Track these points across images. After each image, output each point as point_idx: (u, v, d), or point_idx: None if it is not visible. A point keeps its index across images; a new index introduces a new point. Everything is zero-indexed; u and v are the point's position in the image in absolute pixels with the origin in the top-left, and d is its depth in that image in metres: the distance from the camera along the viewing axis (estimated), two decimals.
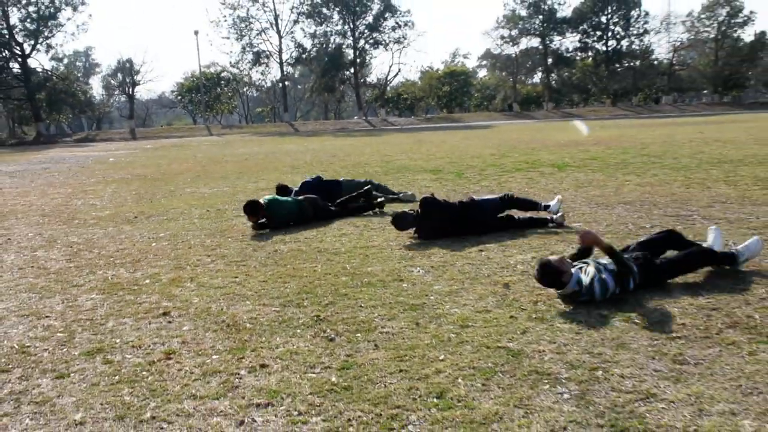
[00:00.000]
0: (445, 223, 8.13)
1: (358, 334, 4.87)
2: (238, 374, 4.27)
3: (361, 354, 4.49)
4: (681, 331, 4.64)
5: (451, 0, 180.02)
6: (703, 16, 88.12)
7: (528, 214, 8.65)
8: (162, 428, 3.61)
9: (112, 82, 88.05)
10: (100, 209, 12.29)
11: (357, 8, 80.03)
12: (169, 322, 5.41)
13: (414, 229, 8.16)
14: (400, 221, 8.14)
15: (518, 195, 9.01)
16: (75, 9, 70.86)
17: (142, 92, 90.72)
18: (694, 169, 14.07)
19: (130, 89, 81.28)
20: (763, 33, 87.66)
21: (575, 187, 11.86)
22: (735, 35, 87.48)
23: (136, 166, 23.28)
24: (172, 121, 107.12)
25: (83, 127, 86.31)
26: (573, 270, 5.43)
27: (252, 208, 9.30)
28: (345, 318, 5.25)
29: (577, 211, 9.36)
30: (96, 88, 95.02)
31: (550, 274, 5.36)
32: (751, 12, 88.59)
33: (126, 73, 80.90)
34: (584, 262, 5.68)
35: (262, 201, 9.44)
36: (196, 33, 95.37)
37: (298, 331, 5.02)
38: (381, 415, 3.61)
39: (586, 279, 5.36)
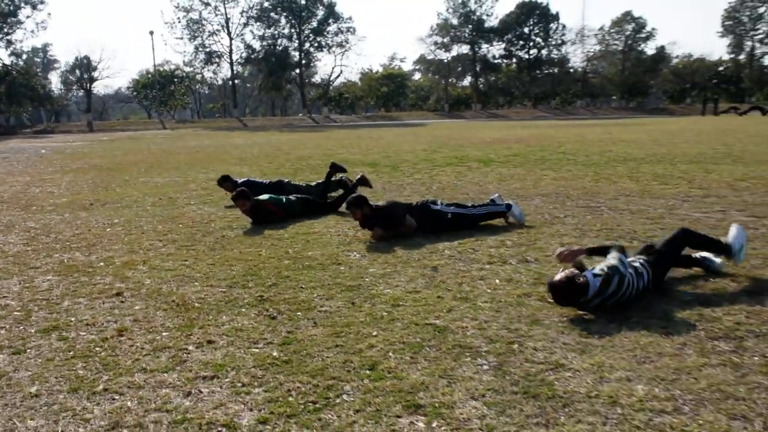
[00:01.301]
0: (398, 222, 7.40)
1: (299, 313, 4.85)
2: (186, 349, 4.23)
3: (301, 331, 4.48)
4: (587, 312, 4.74)
5: (389, 8, 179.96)
6: (612, 30, 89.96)
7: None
8: (114, 399, 3.55)
9: (71, 77, 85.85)
10: (57, 197, 12.00)
11: (303, 14, 79.65)
12: (122, 301, 5.32)
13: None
14: (353, 205, 7.38)
15: (481, 212, 7.94)
16: (34, 7, 69.28)
17: (100, 87, 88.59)
18: (603, 165, 14.33)
19: (88, 84, 79.35)
20: (662, 47, 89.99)
21: (498, 181, 11.98)
22: (639, 48, 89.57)
23: (92, 156, 22.77)
24: (128, 115, 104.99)
25: (42, 119, 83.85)
26: (588, 275, 4.67)
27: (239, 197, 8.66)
28: (287, 298, 5.23)
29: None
30: (55, 82, 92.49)
31: (564, 296, 4.67)
32: (653, 28, 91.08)
33: (84, 69, 79.00)
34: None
35: (263, 198, 8.87)
36: (151, 33, 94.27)
37: (243, 309, 4.99)
38: (318, 385, 3.61)
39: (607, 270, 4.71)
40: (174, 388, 3.67)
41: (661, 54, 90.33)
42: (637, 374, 3.64)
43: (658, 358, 3.85)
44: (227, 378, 3.76)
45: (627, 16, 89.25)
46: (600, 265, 4.79)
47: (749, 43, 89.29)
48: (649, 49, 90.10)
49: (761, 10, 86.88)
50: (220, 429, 3.20)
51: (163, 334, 4.53)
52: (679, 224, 7.54)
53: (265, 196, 8.97)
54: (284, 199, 9.08)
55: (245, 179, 10.75)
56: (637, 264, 4.97)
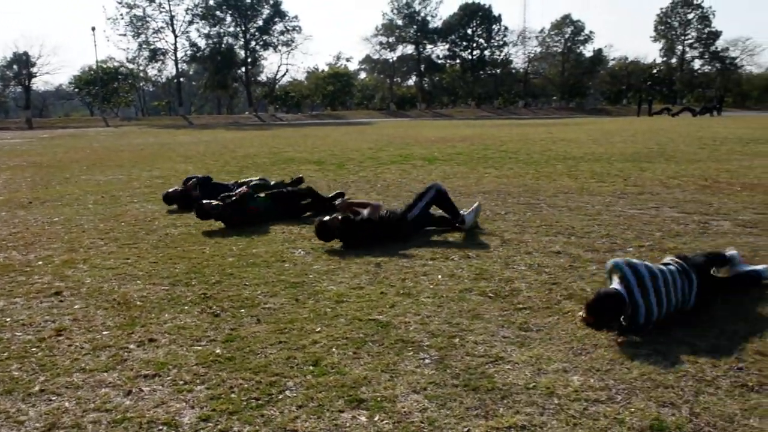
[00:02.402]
0: (366, 235, 6.83)
1: (242, 310, 4.80)
2: (128, 348, 4.14)
3: (244, 328, 4.43)
4: (527, 303, 4.79)
5: (335, 8, 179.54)
6: (552, 32, 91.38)
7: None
8: (50, 400, 3.45)
9: (8, 73, 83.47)
10: None
11: (248, 12, 79.00)
12: (61, 301, 5.17)
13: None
14: (323, 233, 6.79)
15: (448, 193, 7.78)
16: None
17: (39, 84, 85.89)
18: (543, 164, 14.53)
19: (27, 81, 77.25)
20: (600, 50, 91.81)
21: (442, 179, 12.02)
22: (578, 51, 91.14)
23: (31, 154, 22.15)
24: (70, 112, 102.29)
25: None
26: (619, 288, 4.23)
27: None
28: (230, 295, 5.16)
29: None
30: None
31: (601, 315, 4.18)
32: (591, 31, 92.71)
33: (22, 65, 76.93)
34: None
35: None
36: (93, 29, 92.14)
37: (186, 307, 4.91)
38: (261, 382, 3.57)
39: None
40: (114, 387, 3.59)
41: (599, 56, 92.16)
42: (573, 365, 3.70)
43: (593, 350, 3.92)
44: (169, 376, 3.70)
45: (566, 20, 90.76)
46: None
47: (680, 48, 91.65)
48: (588, 51, 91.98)
49: (690, 16, 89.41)
50: (160, 427, 3.15)
51: (104, 333, 4.43)
52: (615, 220, 7.69)
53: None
54: (259, 199, 8.46)
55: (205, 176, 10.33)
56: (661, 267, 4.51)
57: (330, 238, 6.80)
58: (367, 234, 6.85)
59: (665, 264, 4.58)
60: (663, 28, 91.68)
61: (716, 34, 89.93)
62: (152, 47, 77.18)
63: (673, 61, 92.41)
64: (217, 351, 4.03)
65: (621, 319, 4.15)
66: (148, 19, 75.75)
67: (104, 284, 5.59)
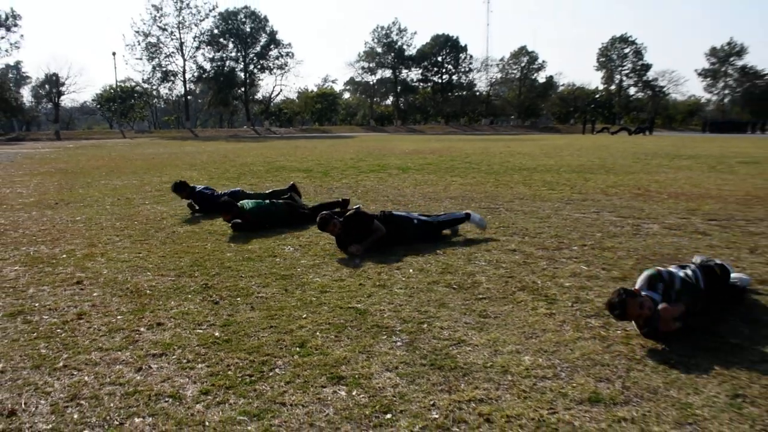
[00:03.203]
0: (367, 230, 6.36)
1: (238, 298, 4.78)
2: (139, 331, 4.11)
3: (240, 314, 4.41)
4: (486, 294, 4.81)
5: (324, 36, 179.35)
6: (511, 61, 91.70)
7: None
8: (72, 375, 3.44)
9: (41, 91, 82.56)
10: (25, 197, 11.47)
11: (248, 40, 78.67)
12: (82, 289, 5.13)
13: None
14: (324, 224, 6.31)
15: (444, 218, 7.03)
16: (8, 29, 66.49)
17: (67, 101, 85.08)
18: (502, 173, 14.57)
19: (56, 98, 76.40)
20: (551, 77, 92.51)
21: (414, 186, 12.04)
22: (533, 77, 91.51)
23: (59, 161, 21.86)
24: (92, 125, 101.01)
25: (14, 128, 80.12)
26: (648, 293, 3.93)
27: (224, 206, 7.64)
28: (228, 285, 5.13)
29: (415, 203, 9.51)
30: (26, 96, 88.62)
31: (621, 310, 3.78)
32: (544, 61, 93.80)
33: (53, 84, 76.11)
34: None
35: (241, 204, 7.73)
36: (113, 54, 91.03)
37: (189, 296, 4.88)
38: (254, 361, 3.56)
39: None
40: (126, 364, 3.57)
41: (550, 82, 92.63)
42: (525, 347, 3.72)
43: (542, 334, 3.94)
44: (174, 355, 3.68)
45: (522, 50, 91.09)
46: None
47: (618, 77, 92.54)
48: (541, 77, 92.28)
49: (626, 50, 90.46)
50: (167, 399, 3.13)
51: (118, 317, 4.39)
52: (563, 223, 7.74)
53: (248, 204, 7.79)
54: (269, 203, 7.98)
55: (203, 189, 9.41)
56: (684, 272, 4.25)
57: (324, 229, 6.38)
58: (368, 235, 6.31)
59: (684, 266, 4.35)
60: (604, 59, 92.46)
61: (647, 66, 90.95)
62: (164, 69, 76.57)
63: (612, 87, 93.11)
64: (216, 334, 4.01)
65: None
66: (160, 45, 75.20)
67: (119, 275, 5.54)
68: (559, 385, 3.21)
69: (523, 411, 2.95)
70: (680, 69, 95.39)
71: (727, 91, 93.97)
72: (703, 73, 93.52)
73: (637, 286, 4.04)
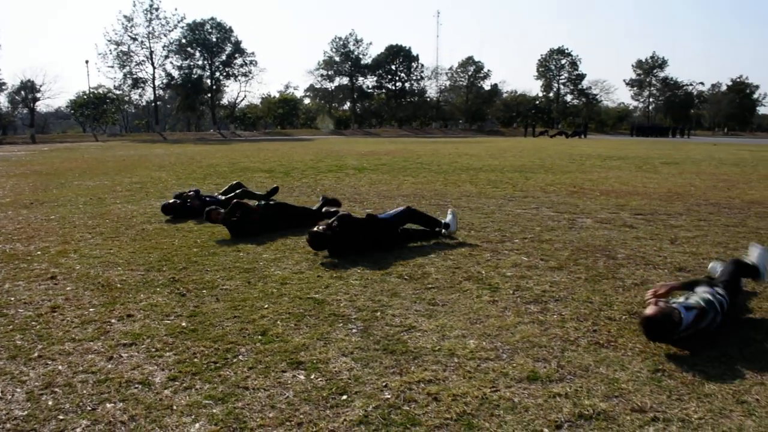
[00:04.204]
0: (358, 240, 5.95)
1: (204, 291, 4.72)
2: (110, 322, 4.03)
3: (206, 305, 4.36)
4: (435, 283, 4.84)
5: (285, 45, 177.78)
6: (459, 69, 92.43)
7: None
8: (47, 364, 3.35)
9: (17, 97, 79.73)
10: (1, 197, 11.08)
11: (214, 49, 77.64)
12: (55, 284, 5.00)
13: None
14: (317, 242, 5.76)
15: (418, 209, 6.77)
16: None
17: (42, 106, 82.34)
18: (451, 173, 14.68)
19: (32, 104, 74.03)
20: (496, 84, 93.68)
21: (369, 185, 12.05)
22: (479, 84, 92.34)
23: (34, 164, 21.17)
24: (66, 129, 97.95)
25: None
26: (681, 309, 3.59)
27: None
28: (194, 279, 5.06)
29: (370, 201, 9.52)
30: (2, 101, 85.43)
31: (658, 331, 3.53)
32: (489, 70, 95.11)
33: (28, 90, 73.76)
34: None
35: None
36: (86, 62, 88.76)
37: (158, 289, 4.79)
38: (219, 349, 3.53)
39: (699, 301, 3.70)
40: (98, 353, 3.49)
41: (495, 89, 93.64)
42: (470, 332, 3.76)
43: (486, 319, 3.99)
44: (143, 345, 3.62)
45: (469, 60, 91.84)
46: (693, 298, 3.75)
47: (556, 85, 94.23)
48: (486, 85, 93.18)
49: (563, 61, 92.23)
50: (137, 386, 3.08)
51: (90, 310, 4.30)
52: (505, 218, 7.83)
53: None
54: (262, 203, 7.50)
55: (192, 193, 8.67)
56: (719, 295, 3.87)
57: (323, 248, 5.81)
58: (358, 239, 5.96)
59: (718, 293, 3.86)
60: (543, 69, 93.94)
61: (582, 76, 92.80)
62: (135, 77, 75.00)
63: (551, 95, 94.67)
64: (183, 324, 3.96)
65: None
66: (131, 54, 73.64)
67: (91, 270, 5.41)
68: (501, 366, 3.26)
69: (468, 390, 2.99)
70: (611, 79, 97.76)
71: (651, 99, 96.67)
72: (631, 83, 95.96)
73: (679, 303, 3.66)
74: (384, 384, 3.06)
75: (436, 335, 3.71)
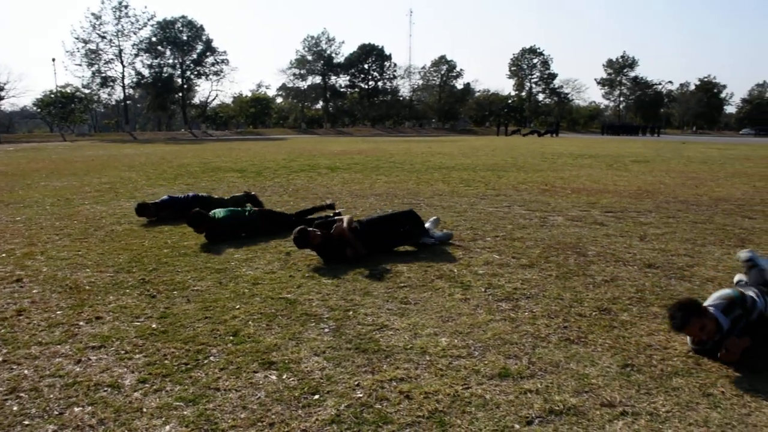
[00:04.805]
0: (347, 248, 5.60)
1: (175, 292, 4.67)
2: (78, 325, 3.97)
3: (176, 306, 4.32)
4: (407, 282, 4.87)
5: (258, 44, 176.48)
6: (431, 69, 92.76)
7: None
8: (12, 369, 3.29)
9: None
10: None
11: (185, 47, 76.82)
12: (21, 286, 4.90)
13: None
14: (300, 240, 5.49)
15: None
16: None
17: (6, 105, 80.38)
18: (423, 172, 14.72)
19: None
20: (468, 83, 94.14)
21: (342, 184, 12.03)
22: (452, 84, 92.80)
23: None
24: (33, 129, 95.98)
25: None
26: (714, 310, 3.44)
27: (196, 220, 6.62)
28: (165, 280, 5.01)
29: (343, 200, 9.51)
30: None
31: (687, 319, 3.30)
32: (461, 69, 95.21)
33: None
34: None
35: (212, 214, 6.76)
36: (53, 60, 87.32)
37: (128, 290, 4.74)
38: (190, 350, 3.50)
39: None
40: (66, 357, 3.44)
41: (468, 88, 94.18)
42: (442, 330, 3.79)
43: (458, 317, 4.02)
44: (113, 347, 3.58)
45: (442, 59, 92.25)
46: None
47: (528, 84, 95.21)
48: (459, 84, 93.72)
49: (535, 61, 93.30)
50: (106, 389, 3.05)
51: (57, 312, 4.23)
52: (477, 216, 7.89)
53: (220, 212, 6.85)
54: (246, 213, 7.06)
55: (164, 198, 8.33)
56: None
57: (304, 246, 5.57)
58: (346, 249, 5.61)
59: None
60: (515, 69, 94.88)
61: (554, 75, 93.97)
62: (103, 75, 73.75)
63: (523, 94, 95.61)
64: (153, 326, 3.92)
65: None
66: (100, 52, 72.36)
67: (58, 272, 5.32)
68: (473, 363, 3.29)
69: (440, 387, 3.01)
70: (582, 78, 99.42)
71: (622, 98, 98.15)
72: (602, 82, 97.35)
73: (710, 302, 3.53)
74: (356, 383, 3.07)
75: (408, 333, 3.73)
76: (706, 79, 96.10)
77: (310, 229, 5.61)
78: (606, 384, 3.06)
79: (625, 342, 3.60)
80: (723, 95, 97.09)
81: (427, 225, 6.37)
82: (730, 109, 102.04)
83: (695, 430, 2.66)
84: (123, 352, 3.50)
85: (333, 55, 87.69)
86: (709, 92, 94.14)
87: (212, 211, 6.89)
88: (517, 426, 2.68)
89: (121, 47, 73.47)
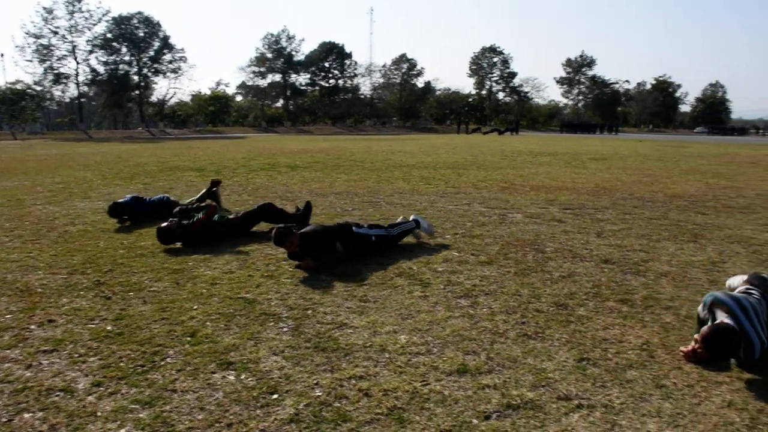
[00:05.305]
0: (326, 248, 5.39)
1: (131, 293, 4.60)
2: (29, 328, 3.87)
3: (132, 308, 4.25)
4: (366, 280, 4.88)
5: (215, 41, 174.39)
6: (392, 67, 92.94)
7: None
8: None
9: None
10: None
11: (141, 44, 75.36)
12: None
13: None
14: (279, 238, 5.22)
15: (398, 231, 6.10)
16: None
17: None
18: (384, 170, 14.75)
19: None
20: (429, 82, 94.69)
21: (302, 182, 11.98)
22: (412, 82, 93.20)
23: None
24: None
25: None
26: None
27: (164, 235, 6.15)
28: (121, 281, 4.92)
29: (303, 199, 9.45)
30: None
31: (718, 351, 3.29)
32: (422, 67, 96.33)
33: None
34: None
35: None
36: (2, 55, 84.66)
37: (82, 292, 4.64)
38: (146, 352, 3.45)
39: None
40: (16, 362, 3.36)
41: (428, 87, 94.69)
42: (401, 327, 3.82)
43: (417, 315, 4.05)
44: (66, 351, 3.50)
45: (403, 57, 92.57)
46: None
47: (488, 83, 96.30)
48: (420, 83, 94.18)
49: (495, 59, 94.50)
50: (58, 393, 2.98)
51: (7, 316, 4.11)
52: (437, 214, 7.95)
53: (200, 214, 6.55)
54: (222, 217, 6.72)
55: (132, 195, 7.95)
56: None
57: (281, 245, 5.31)
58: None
59: (748, 292, 3.63)
60: (475, 67, 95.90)
61: (513, 74, 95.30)
62: (56, 72, 71.70)
63: (483, 92, 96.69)
64: (109, 328, 3.85)
65: (736, 355, 3.31)
66: (52, 48, 70.30)
67: (8, 275, 5.17)
68: (432, 360, 3.33)
69: (399, 384, 3.04)
70: (541, 77, 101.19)
71: (580, 97, 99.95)
72: (561, 81, 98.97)
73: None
74: (315, 382, 3.07)
75: (368, 331, 3.74)
76: (661, 78, 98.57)
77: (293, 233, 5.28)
78: (562, 378, 3.13)
79: (582, 336, 3.68)
80: (678, 94, 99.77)
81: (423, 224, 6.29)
82: (684, 108, 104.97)
83: (648, 421, 2.74)
84: (76, 355, 3.43)
85: (293, 53, 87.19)
86: (664, 91, 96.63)
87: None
88: (475, 421, 2.72)
89: (75, 43, 71.61)
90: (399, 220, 6.44)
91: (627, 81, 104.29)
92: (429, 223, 6.44)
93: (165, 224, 6.21)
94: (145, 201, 7.97)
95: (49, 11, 69.19)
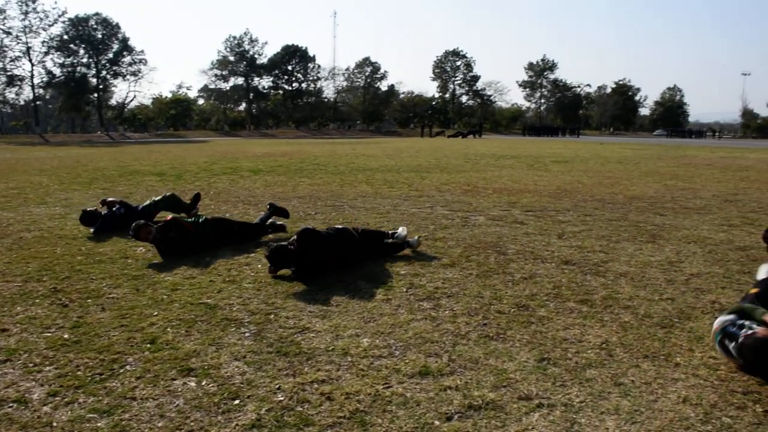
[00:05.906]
0: (326, 260, 5.22)
1: (89, 300, 4.51)
2: None
3: (90, 315, 4.17)
4: (329, 284, 4.87)
5: (176, 44, 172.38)
6: (356, 70, 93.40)
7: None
8: None
9: None
10: None
11: (100, 46, 74.34)
12: None
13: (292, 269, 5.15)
14: (277, 257, 5.07)
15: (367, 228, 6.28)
16: None
17: None
18: (347, 174, 14.76)
19: None
20: (392, 85, 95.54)
21: (264, 186, 11.91)
22: (376, 85, 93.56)
23: None
24: None
25: None
26: None
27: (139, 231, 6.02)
28: (78, 288, 4.83)
29: (265, 203, 9.40)
30: None
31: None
32: (386, 71, 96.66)
33: None
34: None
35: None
36: None
37: (37, 300, 4.53)
38: (104, 360, 3.40)
39: None
40: None
41: (392, 90, 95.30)
42: (364, 331, 3.84)
43: (379, 318, 4.07)
44: (20, 360, 3.42)
45: (366, 61, 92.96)
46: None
47: (451, 86, 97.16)
48: (383, 86, 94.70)
49: (458, 63, 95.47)
50: (11, 404, 2.92)
51: None
52: (400, 217, 7.98)
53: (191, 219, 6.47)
54: (199, 219, 6.48)
55: (122, 203, 7.74)
56: None
57: (284, 265, 5.14)
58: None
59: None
60: (439, 71, 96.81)
61: (476, 78, 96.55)
62: (9, 74, 70.20)
63: (447, 96, 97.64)
64: (65, 336, 3.78)
65: None
66: (5, 49, 68.88)
67: None
68: (394, 362, 3.35)
69: (361, 387, 3.05)
70: (504, 80, 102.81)
71: (543, 100, 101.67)
72: (523, 85, 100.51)
73: None
74: (277, 386, 3.07)
75: (330, 335, 3.75)
76: (621, 82, 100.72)
77: (282, 244, 5.16)
78: (523, 378, 3.18)
79: (542, 337, 3.75)
80: (637, 98, 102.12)
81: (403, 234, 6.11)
82: (644, 111, 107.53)
83: (607, 418, 2.80)
84: (31, 365, 3.36)
85: (256, 56, 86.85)
86: (624, 95, 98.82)
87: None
88: (437, 422, 2.75)
89: (30, 44, 70.15)
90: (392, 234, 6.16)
91: (588, 85, 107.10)
92: (416, 239, 6.18)
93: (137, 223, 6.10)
94: (135, 209, 7.70)
95: (1, 11, 67.73)
